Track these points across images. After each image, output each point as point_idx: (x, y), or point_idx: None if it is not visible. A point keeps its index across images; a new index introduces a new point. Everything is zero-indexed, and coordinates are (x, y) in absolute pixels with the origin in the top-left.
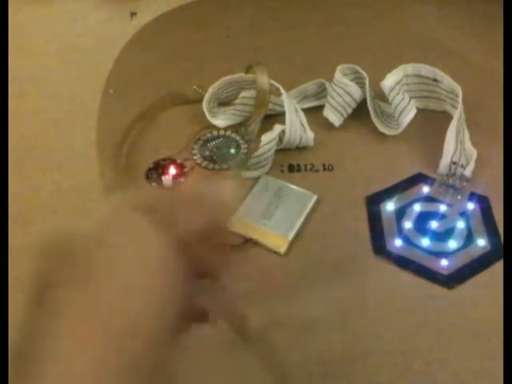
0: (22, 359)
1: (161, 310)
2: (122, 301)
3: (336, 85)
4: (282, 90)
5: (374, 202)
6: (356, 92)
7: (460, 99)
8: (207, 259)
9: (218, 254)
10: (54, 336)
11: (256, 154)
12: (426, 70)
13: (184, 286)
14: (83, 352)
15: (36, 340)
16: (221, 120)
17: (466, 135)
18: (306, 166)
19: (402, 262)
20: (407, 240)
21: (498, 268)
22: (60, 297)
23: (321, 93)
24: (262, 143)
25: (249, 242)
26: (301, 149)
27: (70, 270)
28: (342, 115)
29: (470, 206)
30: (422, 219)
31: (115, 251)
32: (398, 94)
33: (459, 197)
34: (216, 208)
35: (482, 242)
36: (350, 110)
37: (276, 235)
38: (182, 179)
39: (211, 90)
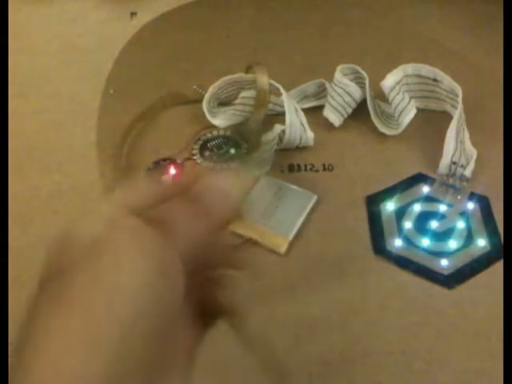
0: (18, 351)
1: (159, 316)
2: (120, 302)
3: (336, 85)
4: (282, 90)
5: (373, 202)
6: (356, 92)
7: (460, 99)
8: (210, 262)
9: (220, 255)
10: (47, 331)
11: (256, 154)
12: (425, 70)
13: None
14: (72, 352)
15: (31, 334)
16: (221, 120)
17: (466, 135)
18: (306, 165)
19: (402, 262)
20: (407, 240)
21: (498, 268)
22: (57, 288)
23: (321, 93)
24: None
25: (249, 241)
26: (301, 149)
27: (71, 265)
28: (342, 115)
29: (470, 205)
30: (422, 219)
31: (115, 256)
32: (398, 93)
33: (459, 197)
34: (218, 209)
35: (482, 242)
36: (350, 110)
37: (276, 235)
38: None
39: (211, 90)
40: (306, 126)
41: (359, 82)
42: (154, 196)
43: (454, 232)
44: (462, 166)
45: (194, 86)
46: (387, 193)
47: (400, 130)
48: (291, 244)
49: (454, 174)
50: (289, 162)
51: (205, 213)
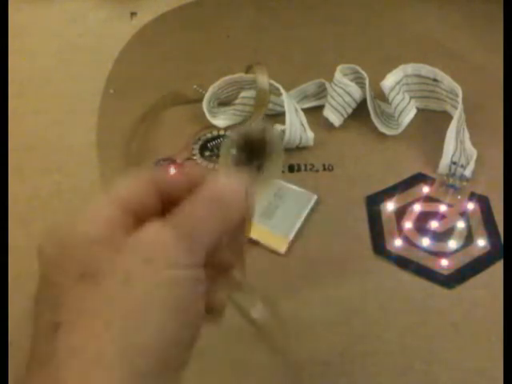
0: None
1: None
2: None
3: (336, 85)
4: (282, 90)
5: (374, 201)
6: (356, 92)
7: (460, 99)
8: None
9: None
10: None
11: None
12: (425, 70)
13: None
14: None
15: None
16: (221, 120)
17: (466, 135)
18: (306, 165)
19: (402, 262)
20: (407, 240)
21: (498, 268)
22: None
23: (321, 93)
24: None
25: (249, 242)
26: (301, 149)
27: (75, 278)
28: (342, 115)
29: (470, 205)
30: (422, 219)
31: (131, 268)
32: (398, 93)
33: (459, 197)
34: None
35: (482, 242)
36: (350, 110)
37: (276, 235)
38: None
39: (211, 89)
40: (306, 126)
41: (359, 82)
42: (152, 190)
43: (454, 232)
44: (461, 166)
45: (194, 86)
46: (387, 193)
47: (400, 130)
48: (291, 244)
49: (453, 174)
50: (289, 162)
51: (222, 214)
